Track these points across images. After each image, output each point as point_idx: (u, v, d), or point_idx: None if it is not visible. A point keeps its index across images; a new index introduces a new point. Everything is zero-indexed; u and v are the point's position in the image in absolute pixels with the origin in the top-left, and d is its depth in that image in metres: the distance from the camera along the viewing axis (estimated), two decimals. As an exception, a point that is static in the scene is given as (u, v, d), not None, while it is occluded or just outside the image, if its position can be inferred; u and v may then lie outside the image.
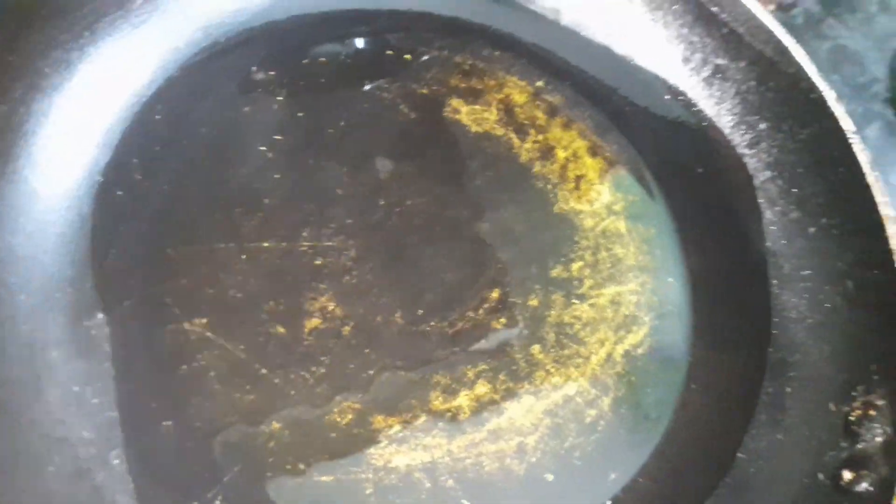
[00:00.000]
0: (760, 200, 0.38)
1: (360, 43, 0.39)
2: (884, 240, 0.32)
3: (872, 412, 0.30)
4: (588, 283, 0.36)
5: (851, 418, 0.30)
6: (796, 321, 0.35)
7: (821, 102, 0.35)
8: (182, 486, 0.26)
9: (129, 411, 0.27)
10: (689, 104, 0.40)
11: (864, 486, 0.28)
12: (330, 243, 0.33)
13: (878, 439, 0.29)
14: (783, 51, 0.36)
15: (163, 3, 0.33)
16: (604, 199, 0.39)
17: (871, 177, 0.34)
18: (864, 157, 0.34)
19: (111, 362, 0.27)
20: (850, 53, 0.58)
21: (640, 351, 0.35)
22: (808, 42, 0.54)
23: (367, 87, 0.37)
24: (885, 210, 0.33)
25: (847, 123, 0.35)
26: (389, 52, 0.39)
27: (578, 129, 0.40)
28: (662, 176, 0.40)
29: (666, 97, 0.41)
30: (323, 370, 0.30)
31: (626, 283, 0.37)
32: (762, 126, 0.39)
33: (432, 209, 0.35)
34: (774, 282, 0.37)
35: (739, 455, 0.32)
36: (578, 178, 0.39)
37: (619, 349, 0.35)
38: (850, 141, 0.34)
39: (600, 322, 0.35)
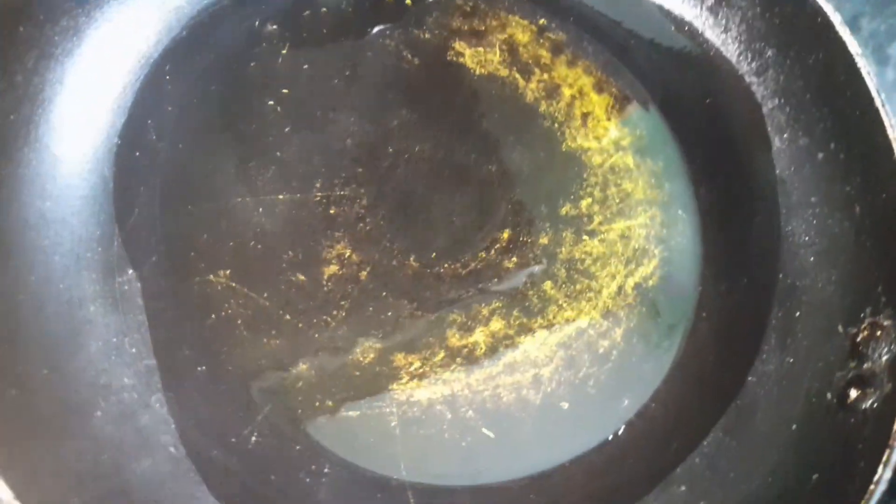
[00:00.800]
0: (769, 128, 0.38)
1: (360, -9, 0.39)
2: (891, 163, 0.32)
3: (879, 333, 0.31)
4: (597, 218, 0.37)
5: (858, 339, 0.31)
6: (805, 247, 0.36)
7: (827, 26, 0.35)
8: (220, 425, 0.28)
9: (165, 359, 0.28)
10: (694, 34, 0.40)
11: (869, 402, 0.30)
12: (342, 192, 0.34)
13: (884, 358, 0.30)
14: (788, -26, 0.35)
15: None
16: (611, 135, 0.39)
17: (878, 100, 0.33)
18: (871, 80, 0.34)
19: (144, 315, 0.29)
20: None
21: (650, 283, 0.36)
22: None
23: (369, 36, 0.38)
24: (892, 133, 0.33)
25: (853, 47, 0.34)
26: (390, -2, 0.39)
27: (584, 65, 0.40)
28: (670, 109, 0.40)
29: (671, 28, 0.40)
30: (343, 314, 0.31)
31: (636, 218, 0.37)
32: (769, 53, 0.38)
33: (440, 154, 0.36)
34: (783, 210, 0.37)
35: (749, 378, 0.33)
36: (585, 115, 0.39)
37: (630, 282, 0.36)
38: (857, 65, 0.34)
39: (610, 256, 0.36)
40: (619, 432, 0.33)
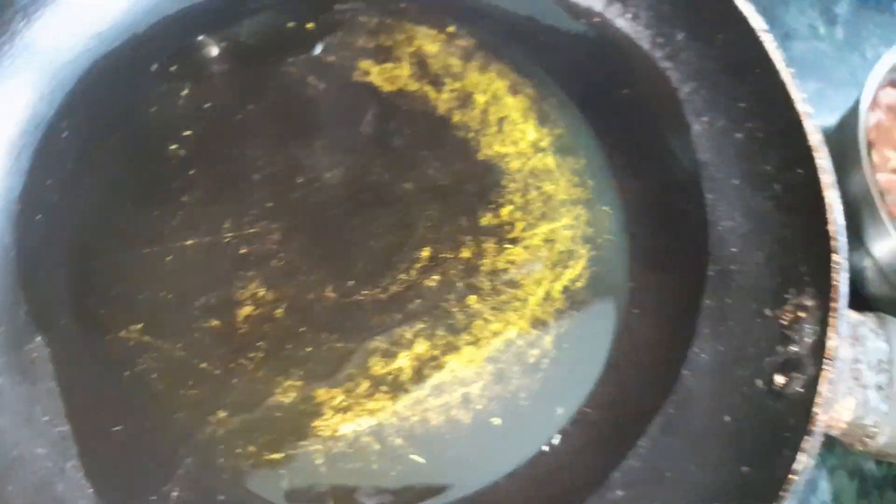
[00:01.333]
0: (686, 113, 0.37)
1: (258, 21, 0.38)
2: (803, 137, 0.32)
3: (803, 314, 0.30)
4: (520, 225, 0.36)
5: (785, 322, 0.31)
6: (731, 231, 0.35)
7: (729, 4, 0.34)
8: (139, 484, 0.28)
9: (79, 422, 0.28)
10: (605, 25, 0.39)
11: (794, 388, 0.29)
12: (253, 230, 0.33)
13: (808, 340, 0.30)
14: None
15: (44, 21, 0.33)
16: (529, 138, 0.38)
17: (786, 74, 0.33)
18: (778, 55, 0.33)
19: (56, 380, 0.29)
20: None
21: (579, 284, 0.36)
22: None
23: (272, 66, 0.37)
24: (801, 107, 0.32)
25: (757, 23, 0.34)
26: (290, 24, 0.38)
27: (497, 69, 0.39)
28: (588, 104, 0.39)
29: (581, 21, 0.39)
30: (261, 355, 0.31)
31: (560, 219, 0.37)
32: (679, 36, 0.38)
33: (352, 178, 0.35)
34: (709, 196, 0.36)
35: (683, 371, 0.33)
36: (501, 120, 0.38)
37: (558, 286, 0.35)
38: (762, 40, 0.33)
39: (536, 262, 0.36)
40: (554, 442, 0.32)
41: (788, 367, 0.30)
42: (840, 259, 0.29)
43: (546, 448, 0.32)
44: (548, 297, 0.35)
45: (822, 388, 0.28)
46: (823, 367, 0.28)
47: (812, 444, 0.26)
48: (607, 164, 0.38)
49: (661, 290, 0.35)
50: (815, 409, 0.26)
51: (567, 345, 0.34)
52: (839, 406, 0.28)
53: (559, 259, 0.36)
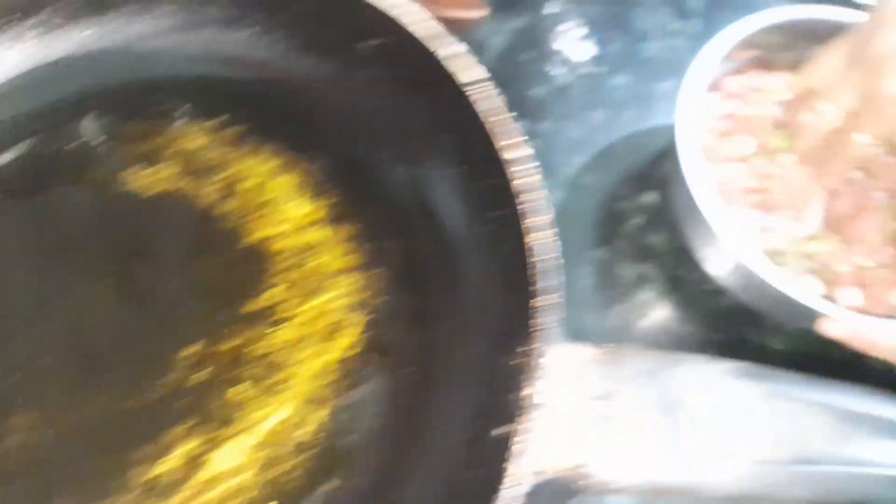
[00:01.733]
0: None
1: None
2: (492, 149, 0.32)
3: (521, 361, 0.31)
4: (286, 305, 0.37)
5: (508, 368, 0.31)
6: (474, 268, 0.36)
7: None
8: None
9: None
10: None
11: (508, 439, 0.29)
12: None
13: (523, 391, 0.30)
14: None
15: None
16: (301, 212, 0.39)
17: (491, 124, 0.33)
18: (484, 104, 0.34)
19: None
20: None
21: (356, 350, 0.36)
22: None
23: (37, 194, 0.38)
24: (505, 154, 0.33)
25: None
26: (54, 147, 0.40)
27: (271, 148, 0.41)
28: (360, 168, 0.40)
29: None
30: (22, 484, 0.32)
31: (333, 290, 0.38)
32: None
33: (114, 292, 0.36)
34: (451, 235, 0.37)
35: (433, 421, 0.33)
36: (266, 203, 0.39)
37: (332, 358, 0.36)
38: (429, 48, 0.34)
39: (306, 339, 0.36)
40: (331, 513, 0.33)
41: (502, 417, 0.30)
42: (541, 303, 0.29)
43: (324, 521, 0.33)
44: (322, 371, 0.36)
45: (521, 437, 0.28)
46: (523, 416, 0.28)
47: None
48: (383, 226, 0.39)
49: (429, 339, 0.36)
50: (506, 462, 0.27)
51: (345, 414, 0.35)
52: (552, 449, 0.29)
53: (332, 330, 0.37)
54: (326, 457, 0.34)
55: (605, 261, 0.47)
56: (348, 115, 0.41)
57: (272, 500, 0.33)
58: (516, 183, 0.32)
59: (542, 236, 0.31)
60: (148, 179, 0.39)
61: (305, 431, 0.34)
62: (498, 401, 0.30)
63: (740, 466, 0.29)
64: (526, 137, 0.32)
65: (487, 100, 0.34)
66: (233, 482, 0.33)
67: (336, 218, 0.39)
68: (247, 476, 0.34)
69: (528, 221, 0.31)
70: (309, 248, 0.38)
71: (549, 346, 0.29)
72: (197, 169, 0.40)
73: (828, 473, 0.29)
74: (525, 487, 0.27)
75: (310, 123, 0.41)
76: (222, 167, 0.40)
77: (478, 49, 0.51)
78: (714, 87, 0.44)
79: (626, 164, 0.51)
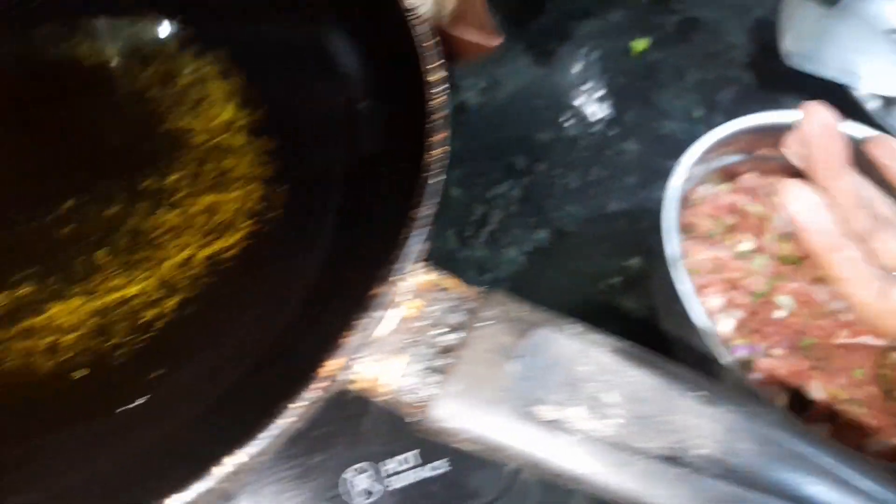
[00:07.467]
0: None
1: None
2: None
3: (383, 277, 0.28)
4: (182, 192, 0.36)
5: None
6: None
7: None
8: None
9: None
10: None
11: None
12: None
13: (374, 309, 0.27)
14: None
15: None
16: (224, 117, 0.38)
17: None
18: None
19: None
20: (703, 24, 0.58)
21: (227, 255, 0.35)
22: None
23: None
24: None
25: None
26: None
27: (212, 56, 0.40)
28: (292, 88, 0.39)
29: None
30: None
31: (229, 192, 0.36)
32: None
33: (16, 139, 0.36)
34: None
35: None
36: (199, 100, 0.39)
37: (203, 253, 0.34)
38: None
39: (186, 228, 0.35)
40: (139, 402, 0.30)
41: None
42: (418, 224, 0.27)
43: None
44: (187, 262, 0.34)
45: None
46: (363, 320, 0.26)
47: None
48: (298, 149, 0.38)
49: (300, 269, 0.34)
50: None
51: (190, 310, 0.33)
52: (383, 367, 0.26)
53: (215, 228, 0.35)
54: (160, 344, 0.32)
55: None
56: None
57: (84, 367, 0.31)
58: (431, 103, 0.31)
59: (438, 153, 0.29)
60: (90, 50, 0.39)
61: (147, 314, 0.32)
62: (346, 306, 0.28)
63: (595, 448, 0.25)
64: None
65: (420, 26, 0.33)
66: (48, 339, 0.31)
67: (256, 131, 0.38)
68: (67, 338, 0.31)
69: (433, 139, 0.29)
70: (223, 149, 0.37)
71: (416, 268, 0.27)
72: (143, 55, 0.40)
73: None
74: (332, 387, 0.24)
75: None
76: (163, 60, 0.40)
77: (492, 83, 0.54)
78: (727, 176, 0.42)
79: (616, 226, 0.49)
